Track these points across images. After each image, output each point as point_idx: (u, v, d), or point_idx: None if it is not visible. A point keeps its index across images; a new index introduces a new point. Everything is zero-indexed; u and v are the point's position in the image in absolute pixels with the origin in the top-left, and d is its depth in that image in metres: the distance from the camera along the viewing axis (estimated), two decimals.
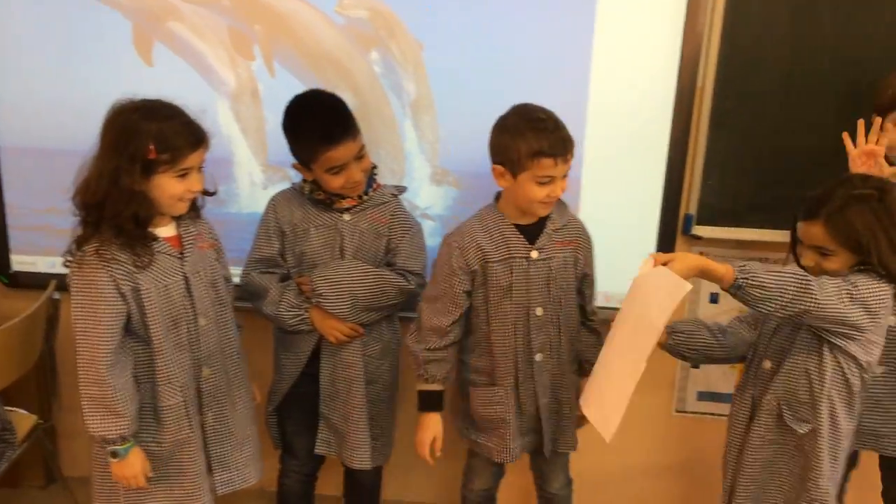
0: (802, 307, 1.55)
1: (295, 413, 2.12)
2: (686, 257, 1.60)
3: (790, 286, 1.53)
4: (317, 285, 1.98)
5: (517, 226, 1.88)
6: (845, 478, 2.16)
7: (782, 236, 2.14)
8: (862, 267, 1.67)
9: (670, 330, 1.88)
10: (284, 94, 2.16)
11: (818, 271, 1.68)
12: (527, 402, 1.94)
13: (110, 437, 1.64)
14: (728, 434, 1.91)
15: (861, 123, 1.89)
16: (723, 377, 2.46)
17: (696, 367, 2.46)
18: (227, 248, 1.97)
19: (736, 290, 1.58)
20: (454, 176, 2.29)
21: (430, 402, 1.94)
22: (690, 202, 2.28)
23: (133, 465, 1.68)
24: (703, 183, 2.25)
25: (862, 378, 1.72)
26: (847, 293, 1.57)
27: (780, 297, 1.54)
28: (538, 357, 1.90)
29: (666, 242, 2.31)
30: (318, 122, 1.90)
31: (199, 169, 1.70)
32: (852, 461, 2.08)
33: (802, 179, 2.09)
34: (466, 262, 1.86)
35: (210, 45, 2.21)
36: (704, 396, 2.48)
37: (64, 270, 1.69)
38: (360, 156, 1.93)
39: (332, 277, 1.98)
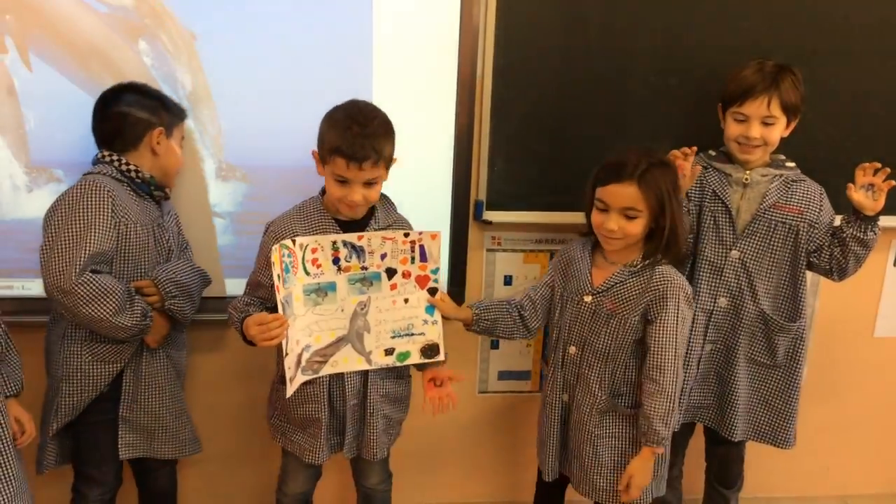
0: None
1: (101, 434, 1.96)
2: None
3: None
4: (169, 289, 1.93)
5: (338, 221, 1.86)
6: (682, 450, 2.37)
7: (567, 217, 2.27)
8: (649, 261, 1.84)
9: (478, 311, 1.96)
10: (45, 89, 2.04)
11: (621, 235, 1.81)
12: (337, 402, 1.92)
13: None
14: (543, 414, 2.04)
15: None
16: (520, 356, 2.55)
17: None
18: None
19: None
20: (242, 170, 2.21)
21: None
22: (480, 189, 2.33)
23: None
24: (490, 170, 2.30)
25: None
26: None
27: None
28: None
29: (459, 229, 2.35)
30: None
31: None
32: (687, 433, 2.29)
33: (582, 163, 2.19)
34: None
35: None
36: (504, 375, 2.56)
37: None
38: None
39: (179, 279, 1.97)
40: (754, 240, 2.06)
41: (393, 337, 1.89)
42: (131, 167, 1.90)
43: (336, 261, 1.80)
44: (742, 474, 2.38)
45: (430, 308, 1.90)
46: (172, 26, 2.06)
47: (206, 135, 2.15)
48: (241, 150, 2.20)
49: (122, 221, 1.85)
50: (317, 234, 1.84)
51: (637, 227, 1.80)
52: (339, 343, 1.84)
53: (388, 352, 1.89)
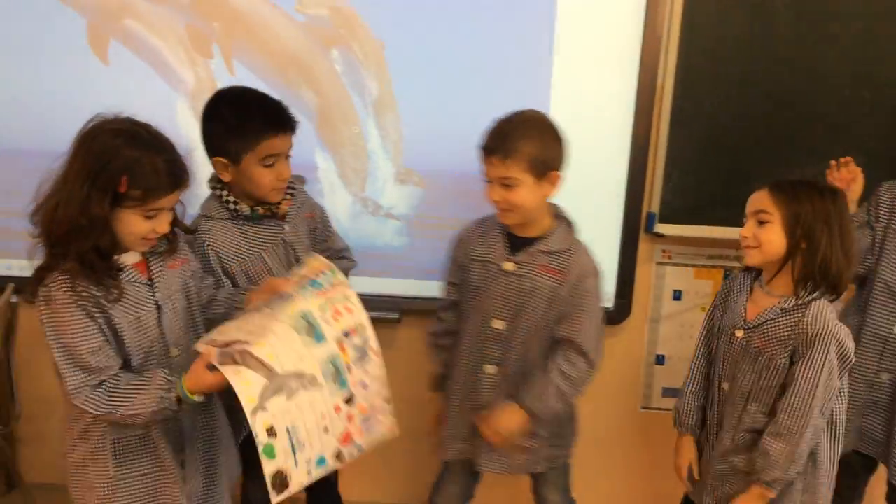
0: None
1: None
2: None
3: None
4: None
5: (511, 235, 1.83)
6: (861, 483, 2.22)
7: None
8: (807, 297, 1.67)
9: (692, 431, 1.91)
10: None
11: (754, 242, 1.71)
12: (466, 409, 1.91)
13: (170, 405, 1.51)
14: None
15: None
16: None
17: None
18: None
19: None
20: (418, 175, 2.28)
21: (431, 382, 2.05)
22: (653, 201, 2.29)
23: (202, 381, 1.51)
24: (664, 181, 2.26)
25: None
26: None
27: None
28: (488, 369, 1.86)
29: (629, 241, 2.32)
30: (268, 108, 1.79)
31: (171, 209, 1.56)
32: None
33: (760, 179, 2.11)
34: (455, 254, 1.91)
35: (168, 42, 2.18)
36: (669, 392, 2.49)
37: (20, 273, 1.60)
38: (289, 154, 1.85)
39: None
40: None
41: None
42: (231, 203, 1.83)
43: (347, 334, 1.56)
44: None
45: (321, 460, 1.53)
46: (364, 35, 2.15)
47: (389, 140, 2.23)
48: (418, 156, 2.27)
49: (234, 262, 1.83)
50: (487, 243, 1.84)
51: (770, 234, 1.67)
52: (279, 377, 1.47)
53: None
